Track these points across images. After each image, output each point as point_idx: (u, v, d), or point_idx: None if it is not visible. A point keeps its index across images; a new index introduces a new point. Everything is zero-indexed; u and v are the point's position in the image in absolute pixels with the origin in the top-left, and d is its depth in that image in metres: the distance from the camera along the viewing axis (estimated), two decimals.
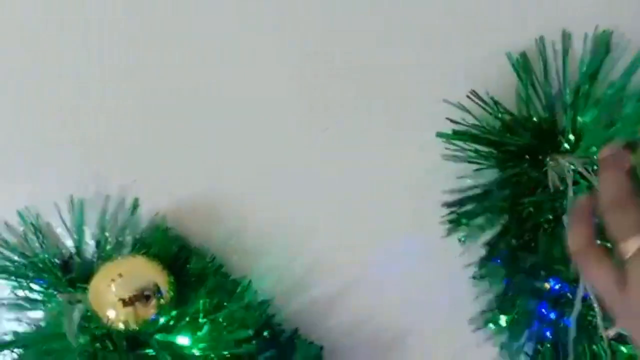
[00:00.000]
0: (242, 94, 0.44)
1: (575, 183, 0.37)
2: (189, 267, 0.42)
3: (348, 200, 0.44)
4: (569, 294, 0.39)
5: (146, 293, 0.39)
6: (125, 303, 0.38)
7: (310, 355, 0.43)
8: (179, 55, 0.44)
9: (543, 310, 0.42)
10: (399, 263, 0.43)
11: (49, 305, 0.42)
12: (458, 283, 0.42)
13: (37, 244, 0.43)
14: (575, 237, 0.34)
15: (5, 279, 0.43)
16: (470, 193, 0.38)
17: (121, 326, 0.38)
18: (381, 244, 0.43)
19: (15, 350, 0.42)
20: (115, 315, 0.39)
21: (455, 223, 0.38)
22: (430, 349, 0.44)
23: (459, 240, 0.39)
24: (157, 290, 0.40)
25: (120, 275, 0.39)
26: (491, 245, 0.39)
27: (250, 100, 0.44)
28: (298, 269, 0.45)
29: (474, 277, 0.39)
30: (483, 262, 0.40)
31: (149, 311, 0.39)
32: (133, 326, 0.39)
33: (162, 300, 0.39)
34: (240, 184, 0.44)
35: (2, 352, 0.42)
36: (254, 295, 0.43)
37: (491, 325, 0.41)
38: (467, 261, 0.41)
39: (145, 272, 0.39)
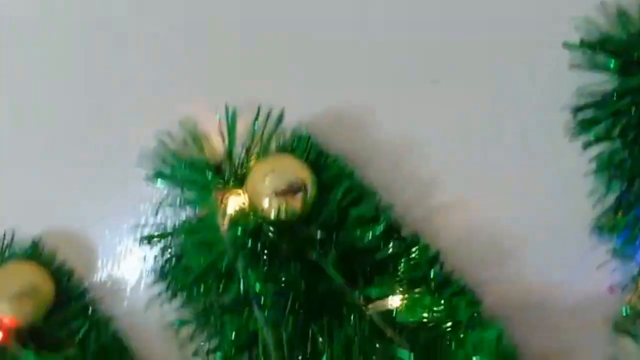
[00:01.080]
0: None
1: None
2: (325, 172, 0.47)
3: (466, 108, 0.47)
4: None
5: (294, 187, 0.45)
6: (278, 194, 0.44)
7: (428, 257, 0.47)
8: None
9: None
10: (516, 169, 0.47)
11: (204, 203, 0.48)
12: (575, 187, 0.45)
13: (194, 150, 0.49)
14: None
15: (167, 180, 0.49)
16: (593, 99, 0.41)
17: (273, 214, 0.44)
18: (499, 151, 0.47)
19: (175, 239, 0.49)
20: (268, 205, 0.44)
21: (578, 127, 0.42)
22: (545, 253, 0.47)
23: (582, 145, 0.43)
24: (304, 186, 0.45)
25: (273, 170, 0.45)
26: (611, 150, 0.42)
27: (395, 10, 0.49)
28: (420, 178, 0.49)
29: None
30: (602, 167, 0.43)
31: (296, 204, 0.44)
32: (283, 215, 0.44)
33: (307, 196, 0.45)
34: (376, 98, 0.48)
35: (166, 239, 0.48)
36: (380, 200, 0.48)
37: (606, 229, 0.45)
38: (586, 168, 0.44)
39: (294, 169, 0.45)
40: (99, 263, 0.52)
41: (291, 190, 0.44)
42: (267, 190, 0.44)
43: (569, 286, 0.46)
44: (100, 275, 0.52)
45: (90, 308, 0.51)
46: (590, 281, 0.46)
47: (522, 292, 0.47)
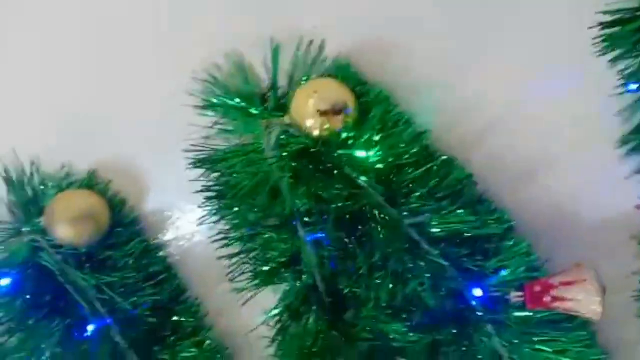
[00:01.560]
0: None
1: None
2: (364, 98, 0.50)
3: (501, 37, 0.50)
4: None
5: (337, 108, 0.47)
6: (321, 114, 0.47)
7: (461, 178, 0.49)
8: None
9: None
10: (548, 96, 0.49)
11: (251, 130, 0.51)
12: (603, 106, 0.47)
13: (240, 80, 0.52)
14: None
15: (214, 110, 0.52)
16: (620, 15, 0.43)
17: (317, 133, 0.47)
18: (526, 73, 0.49)
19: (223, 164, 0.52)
20: (312, 124, 0.47)
21: (605, 44, 0.43)
22: (573, 173, 0.49)
23: (610, 61, 0.45)
24: (346, 107, 0.48)
25: (316, 92, 0.47)
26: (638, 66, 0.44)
27: None
28: (452, 106, 0.51)
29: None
30: (630, 84, 0.45)
31: (338, 124, 0.47)
32: (325, 134, 0.47)
33: (348, 118, 0.48)
34: (409, 30, 0.51)
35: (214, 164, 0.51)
36: (414, 125, 0.50)
37: (634, 146, 0.47)
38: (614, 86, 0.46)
39: (336, 90, 0.48)
40: (150, 191, 0.55)
41: (334, 110, 0.47)
42: (311, 110, 0.47)
43: (597, 204, 0.49)
44: (152, 203, 0.55)
45: (142, 235, 0.54)
46: (618, 199, 0.48)
47: (550, 211, 0.50)
